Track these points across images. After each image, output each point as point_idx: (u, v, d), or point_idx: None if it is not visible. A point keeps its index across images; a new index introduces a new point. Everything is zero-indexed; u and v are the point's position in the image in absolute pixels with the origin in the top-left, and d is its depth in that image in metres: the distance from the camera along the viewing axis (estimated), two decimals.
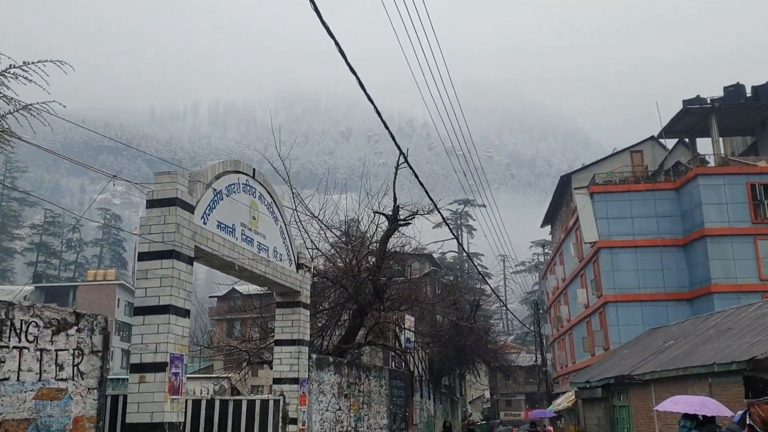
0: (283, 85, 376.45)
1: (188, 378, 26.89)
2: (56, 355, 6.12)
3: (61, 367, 6.15)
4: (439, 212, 14.92)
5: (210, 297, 53.35)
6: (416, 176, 10.69)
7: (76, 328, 6.37)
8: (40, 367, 5.94)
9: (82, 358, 6.40)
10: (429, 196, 12.50)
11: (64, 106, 5.83)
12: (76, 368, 6.31)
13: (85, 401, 6.35)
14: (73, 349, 6.31)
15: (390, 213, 16.45)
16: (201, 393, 18.11)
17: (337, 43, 8.90)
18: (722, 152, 36.66)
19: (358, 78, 9.28)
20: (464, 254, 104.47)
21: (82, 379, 6.36)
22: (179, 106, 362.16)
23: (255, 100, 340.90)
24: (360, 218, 17.81)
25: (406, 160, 10.43)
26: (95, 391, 6.48)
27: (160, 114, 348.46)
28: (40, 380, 5.92)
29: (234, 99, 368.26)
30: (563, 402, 32.52)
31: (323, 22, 8.47)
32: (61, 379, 6.14)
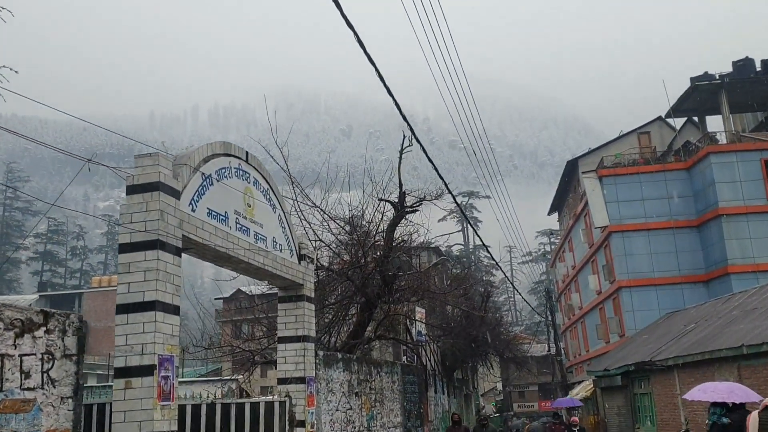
0: (282, 85, 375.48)
1: (195, 381, 25.96)
2: (21, 361, 5.33)
3: (27, 375, 5.36)
4: (450, 193, 14.08)
5: (216, 299, 52.56)
6: (425, 152, 9.82)
7: (44, 329, 5.57)
8: (1, 375, 5.14)
9: (53, 363, 5.60)
10: (439, 174, 11.65)
11: (17, 72, 5.05)
12: (45, 375, 5.51)
13: (58, 412, 5.55)
14: (42, 354, 5.52)
15: (396, 200, 15.63)
16: (207, 396, 17.36)
17: (356, 34, 8.04)
18: (733, 129, 35.70)
19: (373, 63, 8.45)
20: (471, 246, 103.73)
21: (54, 387, 5.56)
22: (179, 110, 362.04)
23: (254, 102, 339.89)
24: (365, 208, 16.95)
25: (414, 135, 9.56)
26: (70, 400, 5.68)
27: (160, 119, 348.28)
28: (1, 390, 5.13)
29: (233, 101, 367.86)
30: (581, 392, 31.67)
31: (343, 14, 7.65)
32: (28, 389, 5.35)
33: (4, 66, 5.07)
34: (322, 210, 15.65)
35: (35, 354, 5.45)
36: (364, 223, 16.84)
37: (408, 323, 19.55)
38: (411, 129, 9.30)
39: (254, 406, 9.98)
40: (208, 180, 8.40)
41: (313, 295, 11.67)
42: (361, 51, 8.91)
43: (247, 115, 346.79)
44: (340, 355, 13.17)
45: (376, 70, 7.74)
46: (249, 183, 9.55)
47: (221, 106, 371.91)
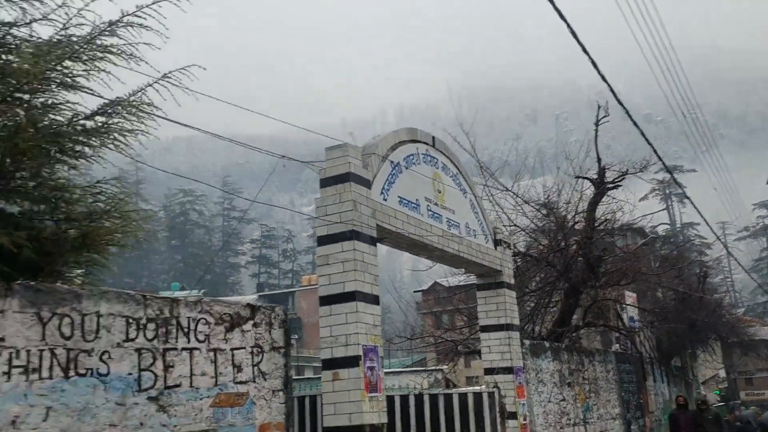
0: (463, 79, 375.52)
1: (401, 372, 26.41)
2: (232, 355, 5.43)
3: (239, 369, 5.44)
4: (660, 159, 12.70)
5: (414, 291, 53.53)
6: (627, 112, 8.79)
7: (252, 322, 5.65)
8: (215, 369, 5.26)
9: (262, 356, 5.66)
10: (646, 138, 10.49)
11: (204, 69, 5.05)
12: (256, 368, 5.58)
13: (270, 405, 5.60)
14: (251, 347, 5.60)
15: (595, 176, 14.56)
16: (414, 387, 17.44)
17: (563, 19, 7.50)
18: None
19: (579, 41, 7.81)
20: (678, 225, 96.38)
21: (265, 380, 5.62)
22: (368, 115, 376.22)
23: (438, 99, 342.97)
24: (560, 188, 15.96)
25: (615, 97, 8.58)
26: (281, 393, 5.71)
27: (352, 125, 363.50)
28: (216, 385, 5.24)
29: (417, 101, 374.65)
30: None
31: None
32: (241, 382, 5.43)
33: (194, 65, 5.15)
34: (514, 193, 15.01)
35: (245, 348, 5.53)
36: (561, 204, 15.92)
37: (618, 309, 18.25)
38: (611, 90, 8.32)
39: (462, 398, 9.69)
40: (397, 168, 8.24)
41: (512, 281, 11.16)
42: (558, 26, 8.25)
43: (431, 113, 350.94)
44: (547, 344, 12.52)
45: (573, 35, 7.07)
46: (437, 168, 9.28)
47: (407, 106, 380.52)
